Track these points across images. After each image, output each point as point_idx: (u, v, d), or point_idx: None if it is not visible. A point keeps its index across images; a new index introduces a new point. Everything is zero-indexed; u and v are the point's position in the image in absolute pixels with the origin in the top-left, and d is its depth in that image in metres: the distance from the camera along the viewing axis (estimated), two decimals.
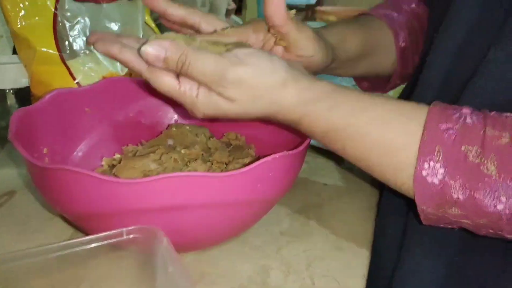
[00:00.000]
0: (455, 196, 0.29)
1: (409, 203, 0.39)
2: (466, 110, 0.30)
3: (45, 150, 0.41)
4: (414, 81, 0.40)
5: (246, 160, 0.44)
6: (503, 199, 0.27)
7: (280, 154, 0.32)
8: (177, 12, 0.40)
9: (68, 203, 0.32)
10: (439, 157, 0.29)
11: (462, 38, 0.35)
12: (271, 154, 0.46)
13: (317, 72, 0.43)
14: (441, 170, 0.29)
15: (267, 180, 0.33)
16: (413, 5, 0.53)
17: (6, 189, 0.47)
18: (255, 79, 0.33)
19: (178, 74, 0.33)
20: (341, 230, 0.45)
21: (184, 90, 0.33)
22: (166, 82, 0.34)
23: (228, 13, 1.01)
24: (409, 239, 0.39)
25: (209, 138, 0.48)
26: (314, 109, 0.34)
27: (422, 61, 0.40)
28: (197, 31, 0.41)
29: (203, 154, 0.44)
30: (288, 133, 0.45)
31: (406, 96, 0.46)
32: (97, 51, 0.36)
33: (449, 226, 0.33)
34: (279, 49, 0.39)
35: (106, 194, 0.29)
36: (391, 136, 0.32)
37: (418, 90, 0.39)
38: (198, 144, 0.46)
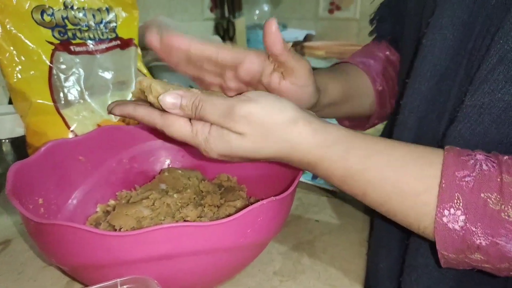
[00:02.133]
0: (478, 242, 0.29)
1: (405, 238, 0.40)
2: (480, 156, 0.31)
3: (40, 201, 0.42)
4: (392, 122, 0.42)
5: (238, 203, 0.45)
6: None
7: (267, 200, 0.33)
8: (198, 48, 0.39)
9: (61, 256, 0.32)
10: (459, 204, 0.29)
11: (431, 83, 0.37)
12: (262, 194, 0.48)
13: (305, 107, 0.44)
14: (462, 217, 0.29)
15: (256, 225, 0.34)
16: (387, 52, 0.57)
17: (3, 238, 0.48)
18: (265, 115, 0.33)
19: (191, 120, 0.36)
20: (334, 267, 0.45)
21: (196, 130, 0.35)
22: (179, 126, 0.36)
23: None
24: (408, 274, 0.40)
25: (201, 181, 0.50)
26: (330, 152, 0.34)
27: (397, 104, 0.42)
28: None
29: (195, 198, 0.45)
30: (278, 173, 0.46)
31: (387, 136, 0.48)
32: (115, 114, 0.40)
33: (468, 268, 0.33)
34: (276, 77, 0.40)
35: (99, 246, 0.30)
36: (411, 179, 0.32)
37: (397, 131, 0.41)
38: (190, 187, 0.47)
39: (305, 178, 0.64)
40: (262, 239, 0.36)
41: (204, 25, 1.32)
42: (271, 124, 0.34)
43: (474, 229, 0.29)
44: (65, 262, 0.33)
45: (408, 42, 0.46)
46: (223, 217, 0.37)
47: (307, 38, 1.58)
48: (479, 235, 0.29)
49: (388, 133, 0.47)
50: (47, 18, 0.56)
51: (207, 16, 1.34)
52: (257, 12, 1.47)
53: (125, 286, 0.29)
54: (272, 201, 0.34)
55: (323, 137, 0.34)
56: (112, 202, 0.48)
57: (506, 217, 0.28)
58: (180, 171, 0.49)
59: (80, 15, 0.59)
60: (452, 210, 0.30)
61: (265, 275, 0.43)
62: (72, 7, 0.59)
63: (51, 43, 0.55)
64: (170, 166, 0.53)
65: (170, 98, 0.35)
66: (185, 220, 0.41)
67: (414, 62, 0.39)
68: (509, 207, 0.28)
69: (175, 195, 0.45)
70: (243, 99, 0.34)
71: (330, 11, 1.59)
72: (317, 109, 0.46)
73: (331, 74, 0.51)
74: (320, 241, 0.50)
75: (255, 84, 0.41)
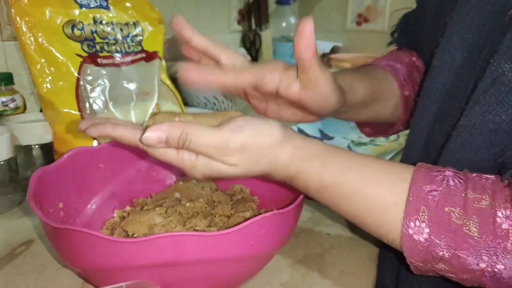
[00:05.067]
0: (441, 253, 0.31)
1: (400, 254, 0.41)
2: (449, 173, 0.32)
3: (60, 205, 0.44)
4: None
5: (247, 214, 0.46)
6: (485, 258, 0.29)
7: (270, 213, 0.34)
8: (201, 41, 0.43)
9: (74, 258, 0.34)
10: (424, 217, 0.31)
11: (439, 103, 0.38)
12: (275, 205, 0.49)
13: (328, 114, 0.45)
14: (427, 230, 0.31)
15: (260, 237, 0.35)
16: (414, 58, 0.57)
17: (26, 238, 0.51)
18: (256, 142, 0.35)
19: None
20: (342, 281, 0.45)
21: (182, 156, 0.36)
22: (164, 154, 0.36)
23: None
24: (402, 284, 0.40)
25: (215, 191, 0.51)
26: (307, 166, 0.36)
27: (408, 123, 0.42)
28: (217, 62, 0.43)
29: (206, 207, 0.47)
30: (289, 186, 0.47)
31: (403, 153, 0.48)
32: (91, 136, 0.38)
33: (437, 275, 0.34)
34: (295, 89, 0.40)
35: (109, 252, 0.32)
36: (382, 194, 0.34)
37: (406, 149, 0.41)
38: (202, 197, 0.48)
39: None
40: (266, 251, 0.37)
41: (231, 38, 1.35)
42: (262, 149, 0.35)
43: (438, 241, 0.30)
44: (77, 265, 0.35)
45: (425, 60, 0.46)
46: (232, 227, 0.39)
47: (334, 50, 1.58)
48: (443, 247, 0.30)
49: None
50: (77, 32, 0.59)
51: (234, 28, 1.37)
52: (284, 24, 1.49)
53: None
54: (275, 214, 0.35)
55: (302, 152, 0.36)
56: (128, 208, 0.50)
57: (467, 231, 0.29)
58: (194, 181, 0.51)
59: (109, 29, 0.63)
60: (417, 223, 0.31)
61: (272, 286, 0.44)
62: (101, 22, 0.62)
63: (80, 55, 0.59)
64: (185, 175, 0.55)
65: (153, 134, 0.34)
66: (195, 229, 0.43)
67: (424, 82, 0.39)
68: (470, 222, 0.29)
69: (187, 204, 0.46)
70: (235, 130, 0.34)
71: (358, 23, 1.59)
72: (343, 109, 0.47)
73: (357, 75, 0.51)
74: (330, 254, 0.50)
75: (273, 95, 0.42)
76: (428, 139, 0.39)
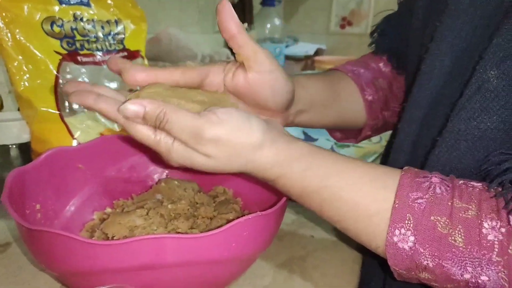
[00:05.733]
0: (425, 262, 0.30)
1: (384, 260, 0.40)
2: (435, 179, 0.32)
3: (38, 206, 0.43)
4: (390, 144, 0.42)
5: (230, 216, 0.45)
6: (470, 269, 0.29)
7: (253, 215, 0.34)
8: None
9: (51, 262, 0.33)
10: (410, 225, 0.30)
11: (426, 109, 0.38)
12: (258, 207, 0.49)
13: (284, 106, 0.42)
14: (412, 238, 0.30)
15: (242, 239, 0.34)
16: (381, 64, 0.57)
17: (3, 241, 0.49)
18: (232, 139, 0.34)
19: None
20: (323, 284, 0.45)
21: (159, 139, 0.35)
22: (141, 131, 0.35)
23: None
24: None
25: (197, 193, 0.50)
26: (289, 170, 0.35)
27: (395, 128, 0.42)
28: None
29: (189, 209, 0.46)
30: (273, 188, 0.47)
31: (385, 159, 0.48)
32: (73, 102, 0.36)
33: (420, 283, 0.34)
34: (240, 75, 0.39)
35: (86, 255, 0.31)
36: (365, 201, 0.33)
37: (392, 153, 0.41)
38: (185, 199, 0.47)
39: None
40: (248, 254, 0.37)
41: (215, 38, 1.34)
42: (238, 147, 0.34)
43: (422, 250, 0.30)
44: (54, 268, 0.34)
45: (411, 64, 0.46)
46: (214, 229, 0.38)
47: (318, 52, 1.59)
48: (427, 256, 0.30)
49: (385, 158, 0.47)
50: (56, 29, 0.58)
51: (218, 29, 1.36)
52: (268, 26, 1.49)
53: None
54: (258, 216, 0.34)
55: (284, 156, 0.35)
56: (109, 210, 0.49)
57: (452, 241, 0.29)
58: (176, 182, 0.50)
59: (89, 26, 0.61)
60: (402, 230, 0.31)
61: None
62: (81, 19, 0.60)
63: (59, 53, 0.57)
64: (168, 176, 0.54)
65: (132, 107, 0.33)
66: (176, 232, 0.42)
67: (411, 88, 0.39)
68: (456, 232, 0.29)
69: (169, 206, 0.45)
70: (212, 121, 0.34)
71: (342, 26, 1.60)
72: (302, 107, 0.46)
73: (314, 76, 0.51)
74: (313, 257, 0.50)
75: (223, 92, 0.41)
76: (415, 144, 0.39)
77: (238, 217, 0.45)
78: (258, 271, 0.46)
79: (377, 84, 0.55)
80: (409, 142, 0.39)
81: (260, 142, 0.35)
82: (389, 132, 0.93)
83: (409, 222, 0.30)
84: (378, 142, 0.96)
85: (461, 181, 0.32)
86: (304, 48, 1.57)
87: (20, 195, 0.40)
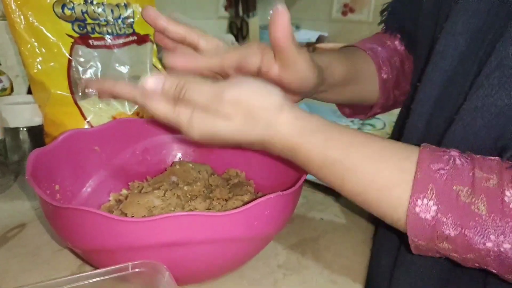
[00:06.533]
0: (447, 232, 0.31)
1: (401, 236, 0.41)
2: (454, 153, 0.32)
3: (57, 187, 0.43)
4: (402, 125, 0.43)
5: (245, 197, 0.46)
6: (493, 237, 0.29)
7: (275, 194, 0.35)
8: (177, 29, 0.42)
9: (78, 239, 0.34)
10: (432, 195, 0.31)
11: (441, 88, 0.38)
12: (269, 190, 0.50)
13: (307, 93, 0.45)
14: (434, 208, 0.31)
15: (263, 218, 0.35)
16: (396, 42, 0.57)
17: (18, 222, 0.50)
18: (252, 99, 0.35)
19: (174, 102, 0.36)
20: (336, 264, 0.46)
21: (179, 110, 0.36)
22: (161, 106, 0.36)
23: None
24: (397, 270, 0.41)
25: (211, 175, 0.51)
26: (311, 140, 0.35)
27: (407, 108, 0.43)
28: (195, 48, 0.43)
29: (204, 190, 0.47)
30: (285, 170, 0.48)
31: (396, 138, 0.49)
32: (92, 88, 0.39)
33: (437, 256, 0.34)
34: (275, 70, 0.40)
35: (114, 231, 0.31)
36: (386, 172, 0.33)
37: (406, 133, 0.42)
38: (200, 181, 0.48)
39: (311, 177, 0.65)
40: (268, 232, 0.38)
41: (218, 24, 1.34)
42: (258, 108, 0.35)
43: (444, 219, 0.30)
44: (80, 245, 0.35)
45: (423, 43, 0.46)
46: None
47: (320, 39, 1.59)
48: (449, 225, 0.30)
49: (397, 136, 0.48)
50: (67, 12, 0.58)
51: (221, 14, 1.35)
52: (271, 12, 1.49)
53: (136, 269, 0.31)
54: (279, 196, 0.35)
55: (304, 125, 0.36)
56: (124, 191, 0.50)
57: (476, 210, 0.30)
58: (190, 165, 0.51)
59: (99, 10, 0.61)
60: (425, 200, 0.31)
61: (269, 268, 0.45)
62: (91, 2, 0.60)
63: (71, 36, 0.57)
64: (181, 159, 0.55)
65: (152, 80, 0.35)
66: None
67: (426, 67, 0.40)
68: (479, 200, 0.30)
69: (185, 187, 0.46)
70: (232, 82, 0.35)
71: (344, 13, 1.60)
72: (322, 88, 0.47)
73: (335, 55, 0.51)
74: (324, 238, 0.51)
75: (254, 75, 0.42)
76: (429, 123, 0.39)
77: (253, 199, 0.46)
78: (271, 251, 0.47)
79: (392, 62, 0.55)
80: (423, 121, 0.40)
81: (280, 103, 0.35)
82: (392, 120, 0.94)
83: (431, 192, 0.31)
84: (382, 129, 0.96)
85: (478, 156, 0.32)
86: (306, 35, 1.57)
87: (41, 175, 0.40)
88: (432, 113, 0.39)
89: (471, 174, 0.31)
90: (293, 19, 1.64)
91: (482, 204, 0.30)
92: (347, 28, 1.60)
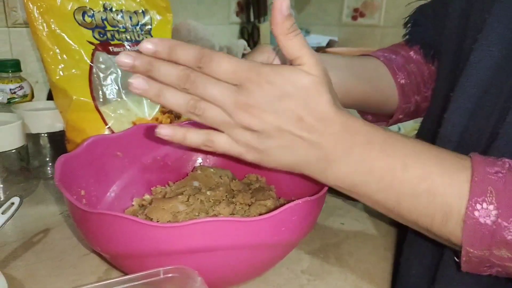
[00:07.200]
0: (508, 237, 0.29)
1: (437, 248, 0.40)
2: (506, 159, 0.31)
3: (82, 192, 0.44)
4: (433, 134, 0.42)
5: (268, 202, 0.46)
6: None
7: (303, 199, 0.35)
8: None
9: (108, 244, 0.34)
10: (492, 198, 0.29)
11: (475, 99, 0.38)
12: (290, 195, 0.49)
13: None
14: (494, 212, 0.29)
15: (291, 224, 0.35)
16: (411, 53, 0.57)
17: (43, 227, 0.50)
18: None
19: None
20: (359, 270, 0.46)
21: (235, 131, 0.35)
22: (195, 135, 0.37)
23: (243, 57, 1.08)
24: (436, 285, 0.40)
25: (232, 180, 0.51)
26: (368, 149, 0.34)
27: (438, 117, 0.42)
28: None
29: (227, 195, 0.47)
30: (305, 176, 0.48)
31: None
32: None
33: (487, 272, 0.33)
34: None
35: (143, 236, 0.32)
36: (438, 179, 0.32)
37: (438, 143, 0.40)
38: (222, 186, 0.48)
39: None
40: (295, 238, 0.38)
41: (230, 29, 1.34)
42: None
43: (506, 224, 0.29)
44: (108, 250, 0.35)
45: (448, 54, 0.46)
46: (254, 216, 0.39)
47: (330, 44, 1.59)
48: (511, 230, 0.29)
49: None
50: (88, 19, 0.58)
51: (233, 20, 1.36)
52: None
53: (168, 275, 0.31)
54: (307, 201, 0.35)
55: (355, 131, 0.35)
56: (147, 196, 0.50)
57: None
58: (212, 170, 0.51)
59: (118, 17, 0.62)
60: (484, 205, 0.30)
61: (293, 274, 0.45)
62: (111, 9, 0.61)
63: (92, 43, 0.58)
64: (201, 164, 0.55)
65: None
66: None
67: (459, 78, 0.39)
68: None
69: (208, 193, 0.46)
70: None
71: (354, 18, 1.59)
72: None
73: (345, 59, 0.52)
74: (346, 243, 0.51)
75: None
76: (463, 134, 0.38)
77: (275, 204, 0.46)
78: (294, 257, 0.47)
79: (408, 68, 0.55)
80: (457, 132, 0.39)
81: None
82: (407, 124, 0.93)
83: (491, 195, 0.29)
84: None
85: None
86: (316, 39, 1.57)
87: (68, 180, 0.41)
88: (466, 124, 0.38)
89: None
90: (303, 24, 1.64)
91: None
92: (357, 32, 1.60)
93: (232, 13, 1.35)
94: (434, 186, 0.32)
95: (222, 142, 0.35)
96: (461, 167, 0.32)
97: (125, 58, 0.34)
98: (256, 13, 1.38)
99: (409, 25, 0.57)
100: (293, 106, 0.33)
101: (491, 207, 0.30)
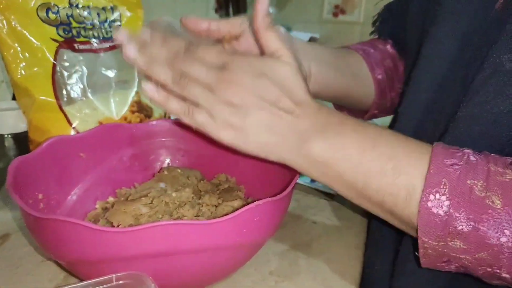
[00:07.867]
0: (459, 227, 0.30)
1: (398, 242, 0.41)
2: (467, 151, 0.32)
3: (40, 196, 0.42)
4: (391, 129, 0.42)
5: (235, 203, 0.45)
6: (507, 232, 0.28)
7: (264, 200, 0.34)
8: (219, 26, 0.45)
9: (59, 250, 0.33)
10: (445, 190, 0.30)
11: (429, 93, 0.38)
12: (261, 194, 0.48)
13: None
14: (447, 202, 0.30)
15: (253, 225, 0.34)
16: (388, 46, 0.57)
17: (2, 232, 0.48)
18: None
19: None
20: (330, 269, 0.46)
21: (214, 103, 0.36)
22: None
23: None
24: (396, 280, 0.40)
25: (200, 181, 0.50)
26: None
27: (395, 112, 0.43)
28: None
29: (193, 197, 0.46)
30: (276, 174, 0.47)
31: None
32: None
33: (446, 268, 0.33)
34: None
35: (97, 242, 0.30)
36: (407, 169, 0.33)
37: None
38: (188, 187, 0.47)
39: (303, 180, 0.65)
40: (258, 239, 0.37)
41: None
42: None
43: (457, 214, 0.30)
44: (62, 257, 0.34)
45: (411, 49, 0.46)
46: (220, 217, 0.38)
47: (311, 40, 1.59)
48: (462, 221, 0.30)
49: None
50: (52, 16, 0.56)
51: (212, 17, 1.34)
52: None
53: (120, 282, 0.30)
54: (268, 202, 0.34)
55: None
56: (111, 199, 0.48)
57: (490, 203, 0.29)
58: (179, 170, 0.50)
59: (85, 13, 0.60)
60: (437, 195, 0.30)
61: (261, 275, 0.44)
62: (77, 6, 0.59)
63: (56, 40, 0.56)
64: (170, 165, 0.54)
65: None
66: (182, 220, 0.42)
67: (412, 72, 0.39)
68: (493, 194, 0.29)
69: (173, 194, 0.45)
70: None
71: (335, 15, 1.59)
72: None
73: (327, 50, 0.52)
74: (317, 242, 0.51)
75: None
76: (418, 128, 0.39)
77: (243, 204, 0.45)
78: (263, 257, 0.46)
79: (385, 64, 0.55)
80: (411, 126, 0.39)
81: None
82: (387, 119, 0.93)
83: (445, 187, 0.30)
84: None
85: (492, 154, 0.32)
86: (297, 36, 1.57)
87: (23, 184, 0.39)
88: (420, 118, 0.38)
89: (486, 168, 0.30)
90: (284, 21, 1.64)
91: (497, 198, 0.29)
92: (338, 29, 1.60)
93: (211, 9, 1.34)
94: (400, 165, 0.33)
95: (200, 116, 0.37)
96: (425, 151, 0.33)
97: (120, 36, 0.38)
98: (235, 9, 1.37)
99: (377, 23, 0.57)
100: (272, 87, 0.35)
101: (443, 198, 0.30)
